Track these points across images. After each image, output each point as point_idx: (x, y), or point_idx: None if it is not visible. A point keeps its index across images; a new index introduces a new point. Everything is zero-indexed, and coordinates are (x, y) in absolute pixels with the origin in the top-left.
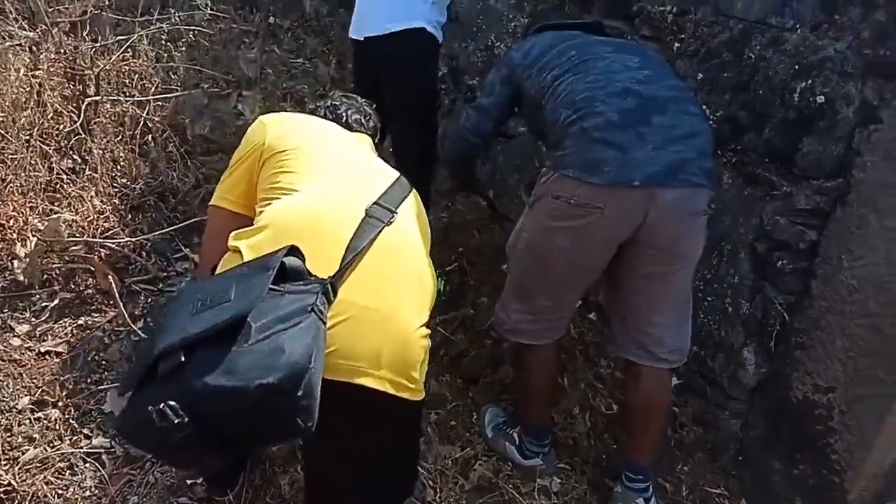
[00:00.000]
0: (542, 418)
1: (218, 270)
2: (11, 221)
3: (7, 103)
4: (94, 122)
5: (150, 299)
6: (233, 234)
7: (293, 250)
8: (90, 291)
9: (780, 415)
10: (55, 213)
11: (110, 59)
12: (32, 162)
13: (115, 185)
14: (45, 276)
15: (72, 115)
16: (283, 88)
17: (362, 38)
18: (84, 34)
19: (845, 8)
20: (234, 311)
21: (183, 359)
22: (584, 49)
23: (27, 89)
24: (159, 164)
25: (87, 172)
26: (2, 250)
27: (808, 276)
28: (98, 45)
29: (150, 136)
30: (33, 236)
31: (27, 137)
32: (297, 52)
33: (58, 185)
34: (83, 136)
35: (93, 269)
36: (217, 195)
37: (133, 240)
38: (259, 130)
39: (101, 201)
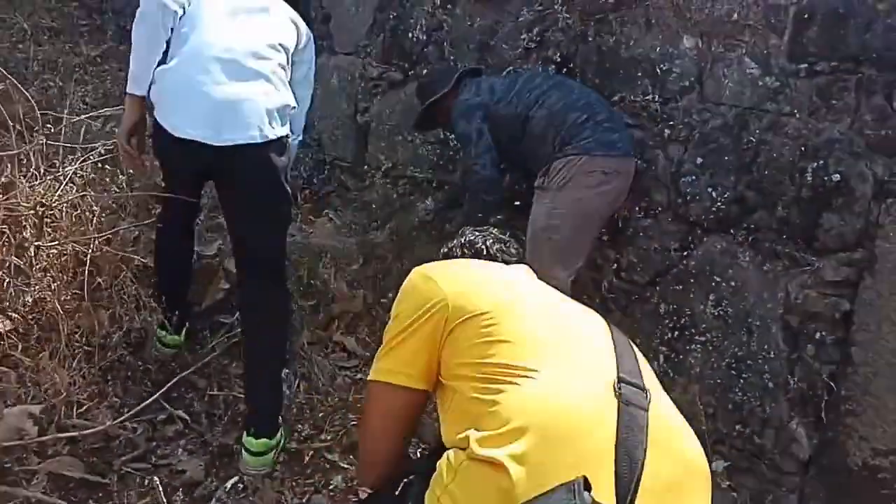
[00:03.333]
0: None
1: (462, 487)
2: None
3: None
4: (34, 271)
5: (145, 481)
6: (472, 433)
7: (585, 480)
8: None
9: (840, 484)
10: (11, 396)
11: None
12: None
13: (75, 346)
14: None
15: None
16: None
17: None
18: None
19: (841, 94)
20: None
21: None
22: (543, 77)
23: None
24: (117, 308)
25: (38, 333)
26: None
27: (847, 344)
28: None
29: (98, 277)
30: None
31: None
32: None
33: (3, 358)
34: (25, 289)
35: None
36: (386, 369)
37: (117, 421)
38: (430, 288)
39: (67, 372)
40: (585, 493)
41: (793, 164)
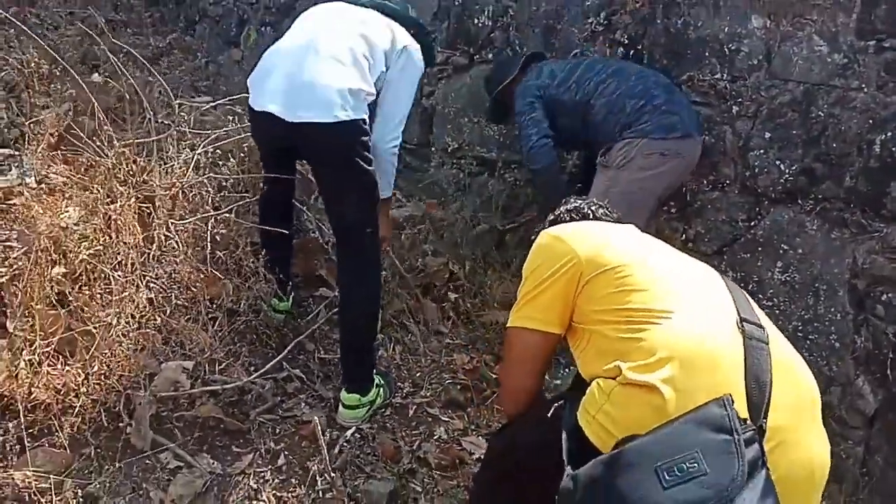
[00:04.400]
0: None
1: (617, 406)
2: (119, 369)
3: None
4: (168, 246)
5: (276, 429)
6: (621, 364)
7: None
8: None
9: None
10: (161, 355)
11: (174, 178)
12: (131, 298)
13: (208, 312)
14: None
15: (148, 241)
16: None
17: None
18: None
19: None
20: (715, 490)
21: None
22: (604, 63)
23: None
24: (234, 278)
25: (177, 303)
26: (107, 404)
27: None
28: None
29: (219, 251)
30: (145, 389)
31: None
32: None
33: (150, 320)
34: (161, 262)
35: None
36: (526, 316)
37: (251, 378)
38: (563, 247)
39: (208, 334)
40: (732, 410)
41: (860, 137)
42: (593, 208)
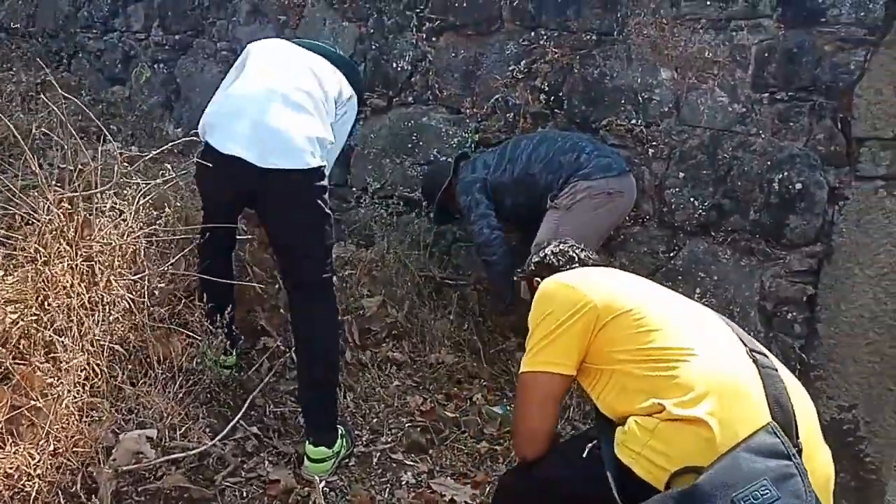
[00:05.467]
0: None
1: (664, 442)
2: (72, 445)
3: None
4: (110, 306)
5: (244, 492)
6: (662, 401)
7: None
8: None
9: None
10: (115, 424)
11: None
12: (79, 366)
13: (159, 372)
14: None
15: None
16: None
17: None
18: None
19: (797, 117)
20: None
21: None
22: (528, 138)
23: None
24: (181, 336)
25: (127, 366)
26: (63, 485)
27: (813, 321)
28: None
29: (161, 308)
30: (103, 464)
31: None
32: None
33: (100, 388)
34: (102, 324)
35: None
36: (544, 361)
37: (215, 441)
38: (573, 294)
39: (164, 398)
40: (776, 430)
41: (761, 176)
42: (577, 251)
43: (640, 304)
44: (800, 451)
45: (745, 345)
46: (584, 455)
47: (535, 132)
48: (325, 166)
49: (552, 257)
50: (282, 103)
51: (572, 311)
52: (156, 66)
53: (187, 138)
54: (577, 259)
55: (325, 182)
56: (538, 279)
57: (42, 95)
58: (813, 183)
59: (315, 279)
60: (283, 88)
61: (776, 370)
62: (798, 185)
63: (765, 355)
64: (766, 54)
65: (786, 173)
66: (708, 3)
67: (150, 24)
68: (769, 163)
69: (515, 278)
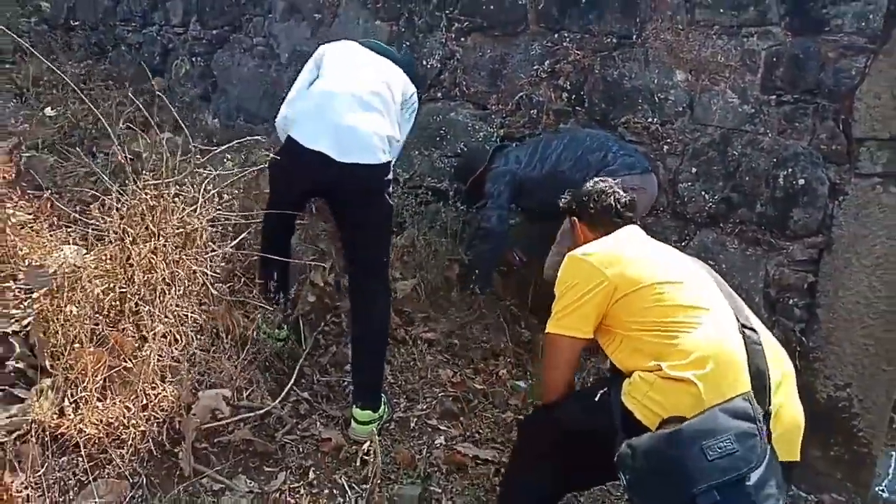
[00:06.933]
0: None
1: (660, 394)
2: (158, 400)
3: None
4: (188, 281)
5: (300, 448)
6: (661, 363)
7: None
8: (253, 462)
9: (812, 414)
10: (198, 384)
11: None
12: (162, 333)
13: (226, 343)
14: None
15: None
16: None
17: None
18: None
19: (802, 118)
20: (745, 462)
21: (718, 497)
22: (558, 138)
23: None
24: (240, 311)
25: (198, 336)
26: (152, 435)
27: (813, 307)
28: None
29: (222, 284)
30: (189, 416)
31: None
32: None
33: (181, 354)
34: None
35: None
36: (567, 326)
37: (276, 403)
38: (592, 271)
39: (231, 364)
40: (751, 399)
41: (767, 172)
42: (614, 198)
43: (655, 280)
44: (768, 415)
45: (739, 321)
46: (597, 399)
47: (563, 132)
48: (391, 161)
49: (590, 200)
50: (357, 104)
51: (592, 286)
52: (193, 59)
53: (254, 137)
54: (612, 209)
55: (391, 175)
56: (575, 217)
57: (89, 86)
58: (815, 179)
59: (377, 261)
60: (358, 91)
61: (760, 345)
62: (801, 181)
63: (753, 330)
64: (775, 59)
65: (790, 170)
66: (721, 10)
67: (188, 18)
68: (775, 160)
69: (562, 204)
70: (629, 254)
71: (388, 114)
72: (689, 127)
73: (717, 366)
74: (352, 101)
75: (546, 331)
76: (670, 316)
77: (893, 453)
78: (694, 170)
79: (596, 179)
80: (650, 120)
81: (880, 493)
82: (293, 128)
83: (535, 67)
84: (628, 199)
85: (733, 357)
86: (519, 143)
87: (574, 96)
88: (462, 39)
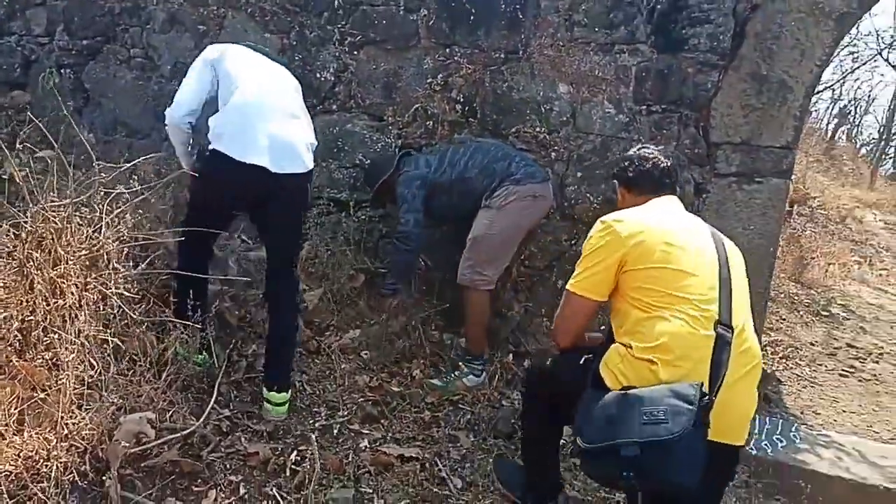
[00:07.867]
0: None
1: (627, 367)
2: (78, 429)
3: None
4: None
5: (227, 465)
6: (633, 342)
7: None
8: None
9: None
10: (118, 409)
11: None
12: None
13: (140, 366)
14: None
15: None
16: None
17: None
18: None
19: (669, 126)
20: (669, 433)
21: (640, 452)
22: (465, 146)
23: None
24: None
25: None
26: (74, 466)
27: None
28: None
29: (133, 306)
30: (112, 443)
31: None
32: None
33: (97, 380)
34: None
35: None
36: (583, 287)
37: (200, 422)
38: (614, 238)
39: (150, 387)
40: (700, 388)
41: None
42: (654, 167)
43: (664, 262)
44: (709, 405)
45: (720, 315)
46: (581, 362)
47: (469, 141)
48: (314, 167)
49: (630, 165)
50: (282, 115)
51: (611, 252)
52: (62, 71)
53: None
54: (650, 174)
55: (312, 181)
56: (615, 181)
57: None
58: (682, 179)
59: (295, 256)
60: (280, 101)
61: (730, 343)
62: None
63: (729, 328)
64: (643, 74)
65: None
66: (596, 29)
67: (53, 28)
68: None
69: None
70: (655, 227)
71: (307, 120)
72: (572, 135)
73: (678, 357)
74: (277, 112)
75: (567, 286)
76: (658, 300)
77: (758, 416)
78: (578, 174)
79: (640, 146)
80: (538, 129)
81: (749, 450)
82: (220, 142)
83: (428, 80)
84: (667, 165)
85: (697, 353)
86: (425, 150)
87: (467, 108)
88: (355, 53)
